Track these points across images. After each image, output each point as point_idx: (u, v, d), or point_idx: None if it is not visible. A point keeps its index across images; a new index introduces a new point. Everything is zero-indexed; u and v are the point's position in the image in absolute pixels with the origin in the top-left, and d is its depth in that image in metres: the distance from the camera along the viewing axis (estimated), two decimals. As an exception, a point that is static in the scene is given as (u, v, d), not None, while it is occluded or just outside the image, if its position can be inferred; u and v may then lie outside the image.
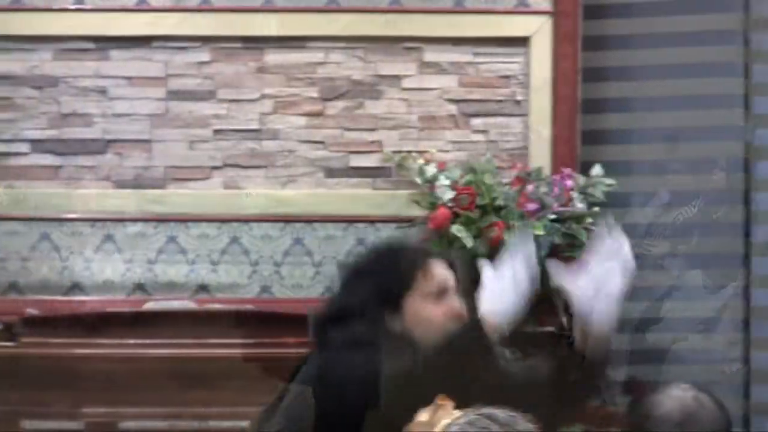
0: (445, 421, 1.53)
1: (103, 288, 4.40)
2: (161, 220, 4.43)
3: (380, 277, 1.95)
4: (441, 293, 1.98)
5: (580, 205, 4.13)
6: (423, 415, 1.56)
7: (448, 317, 1.95)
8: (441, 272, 1.99)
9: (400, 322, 1.95)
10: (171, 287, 4.40)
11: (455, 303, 1.97)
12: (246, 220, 4.41)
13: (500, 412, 1.52)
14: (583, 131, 4.34)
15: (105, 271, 4.39)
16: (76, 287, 4.40)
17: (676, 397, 1.93)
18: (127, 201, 4.42)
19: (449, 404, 1.56)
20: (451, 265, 2.04)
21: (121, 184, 4.48)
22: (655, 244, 4.18)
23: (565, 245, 4.09)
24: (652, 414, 1.91)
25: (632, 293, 3.98)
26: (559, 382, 2.00)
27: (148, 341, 4.09)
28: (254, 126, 4.46)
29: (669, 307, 4.11)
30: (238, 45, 4.48)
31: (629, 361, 4.16)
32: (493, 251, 4.02)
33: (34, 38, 4.49)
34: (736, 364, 4.08)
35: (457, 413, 1.54)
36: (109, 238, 4.43)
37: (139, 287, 4.41)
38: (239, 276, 4.39)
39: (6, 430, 3.95)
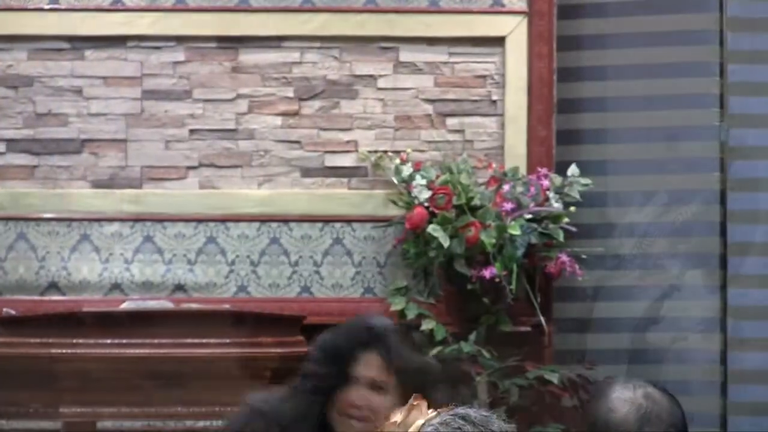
0: (418, 422, 1.53)
1: (80, 288, 4.40)
2: (137, 219, 4.42)
3: (317, 365, 1.89)
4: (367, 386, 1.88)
5: (556, 205, 4.13)
6: (397, 416, 1.56)
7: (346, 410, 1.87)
8: (370, 366, 1.85)
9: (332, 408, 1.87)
10: (148, 287, 4.41)
11: (359, 398, 1.83)
12: (222, 219, 4.40)
13: (474, 412, 1.52)
14: (558, 131, 4.34)
15: (81, 270, 4.38)
16: (52, 287, 4.40)
17: (627, 396, 1.92)
18: (103, 201, 4.42)
19: (423, 404, 1.56)
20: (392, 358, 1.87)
21: (97, 184, 4.47)
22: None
23: (542, 245, 4.10)
24: (606, 416, 1.91)
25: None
26: None
27: (124, 341, 4.08)
28: (230, 126, 4.45)
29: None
30: (213, 45, 4.47)
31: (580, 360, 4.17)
32: (470, 251, 4.05)
33: (9, 38, 4.47)
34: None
35: (431, 413, 1.54)
36: (85, 237, 4.42)
37: (116, 287, 4.41)
38: (216, 276, 4.39)
39: (-9, 428, 3.96)
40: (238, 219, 4.42)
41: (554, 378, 3.91)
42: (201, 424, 4.10)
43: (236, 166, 4.43)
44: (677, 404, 1.93)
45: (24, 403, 4.03)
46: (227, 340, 4.02)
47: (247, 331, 4.02)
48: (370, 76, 4.44)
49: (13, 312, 4.23)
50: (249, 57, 4.46)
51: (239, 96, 4.46)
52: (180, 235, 4.40)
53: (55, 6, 4.46)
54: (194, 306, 4.37)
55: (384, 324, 1.88)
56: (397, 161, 4.31)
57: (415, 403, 1.58)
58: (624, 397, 1.89)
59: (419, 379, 1.79)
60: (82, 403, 4.04)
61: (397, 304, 4.10)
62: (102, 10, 4.49)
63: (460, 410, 1.53)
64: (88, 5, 4.53)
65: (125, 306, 4.38)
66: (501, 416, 1.50)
